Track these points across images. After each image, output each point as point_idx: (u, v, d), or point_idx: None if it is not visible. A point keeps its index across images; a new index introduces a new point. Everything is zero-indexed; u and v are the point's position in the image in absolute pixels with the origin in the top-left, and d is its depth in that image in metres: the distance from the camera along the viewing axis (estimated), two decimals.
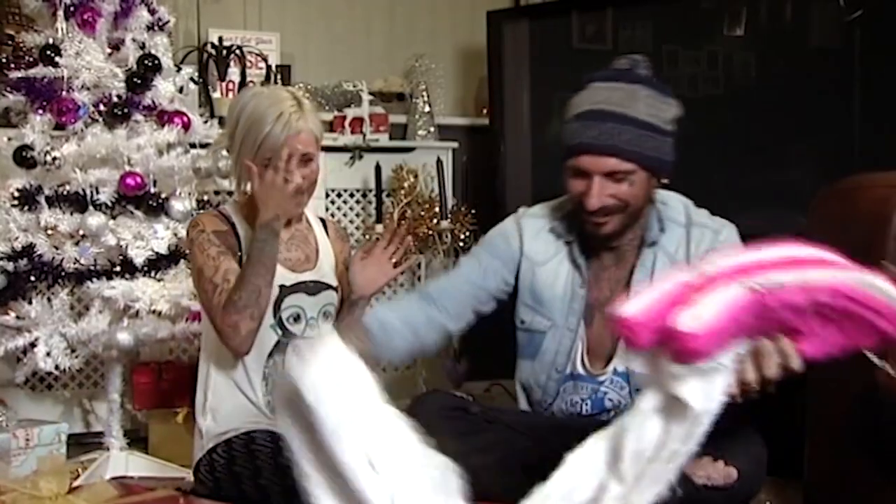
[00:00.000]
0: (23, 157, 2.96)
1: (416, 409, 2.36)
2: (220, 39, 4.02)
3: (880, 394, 2.00)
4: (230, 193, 3.67)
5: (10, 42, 3.62)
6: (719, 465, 1.94)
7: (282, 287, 2.35)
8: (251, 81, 4.00)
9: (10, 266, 2.93)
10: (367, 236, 4.07)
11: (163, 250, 3.01)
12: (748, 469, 1.99)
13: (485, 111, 4.31)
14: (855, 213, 2.18)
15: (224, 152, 3.09)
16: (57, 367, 2.95)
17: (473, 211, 4.03)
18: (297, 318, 2.39)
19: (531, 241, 2.31)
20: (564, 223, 2.30)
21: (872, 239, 2.09)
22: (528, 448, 2.13)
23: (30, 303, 2.94)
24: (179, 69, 3.36)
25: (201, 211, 3.13)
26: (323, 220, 2.60)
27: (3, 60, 3.52)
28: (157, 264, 3.00)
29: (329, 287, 2.46)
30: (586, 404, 2.26)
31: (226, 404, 2.34)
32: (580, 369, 2.27)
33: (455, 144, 4.26)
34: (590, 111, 2.11)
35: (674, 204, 2.27)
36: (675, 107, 2.15)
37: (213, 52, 4.01)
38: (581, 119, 2.12)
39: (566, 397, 2.29)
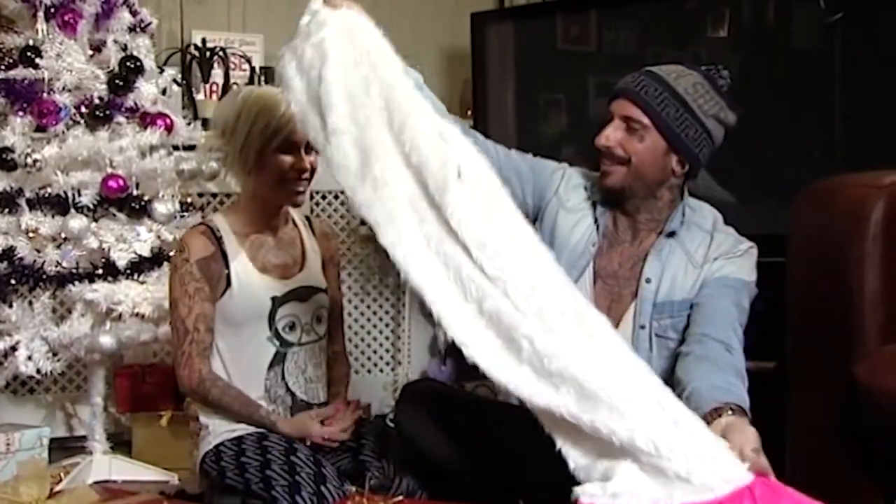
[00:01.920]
0: (3, 160, 2.95)
1: (406, 395, 2.38)
2: (204, 41, 4.02)
3: (860, 396, 2.02)
4: (214, 195, 3.67)
5: None
6: None
7: (274, 299, 2.36)
8: (235, 83, 4.01)
9: None
10: (352, 238, 4.08)
11: (145, 253, 3.01)
12: None
13: (469, 112, 4.31)
14: (834, 213, 2.20)
15: (214, 154, 3.10)
16: (39, 371, 2.95)
17: None
18: (292, 327, 2.40)
19: (568, 188, 2.37)
20: (596, 186, 2.34)
21: (850, 239, 2.10)
22: (511, 437, 2.14)
23: (10, 306, 2.94)
24: (162, 71, 3.36)
25: (185, 214, 3.13)
26: (308, 219, 2.61)
27: None
28: (140, 267, 3.00)
29: (319, 290, 2.48)
30: None
31: None
32: None
33: None
34: (640, 69, 2.23)
35: (703, 212, 2.32)
36: (724, 109, 2.20)
37: (197, 53, 4.02)
38: (631, 72, 2.24)
39: None
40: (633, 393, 1.66)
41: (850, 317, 2.11)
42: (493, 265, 1.76)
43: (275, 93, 2.39)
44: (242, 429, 2.32)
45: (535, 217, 2.37)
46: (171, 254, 2.75)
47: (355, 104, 1.87)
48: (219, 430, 2.34)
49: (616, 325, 2.19)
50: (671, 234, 2.26)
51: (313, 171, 2.40)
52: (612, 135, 2.19)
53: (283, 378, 2.38)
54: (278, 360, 2.38)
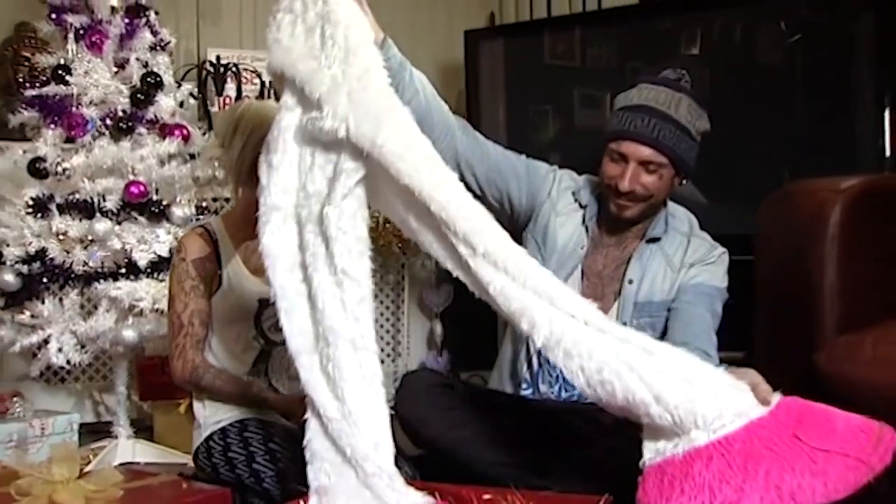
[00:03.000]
0: (36, 169, 2.97)
1: (405, 383, 2.38)
2: (218, 58, 4.03)
3: (820, 383, 2.04)
4: (227, 200, 3.68)
5: (26, 63, 3.64)
6: None
7: (261, 301, 2.33)
8: (246, 96, 4.02)
9: (24, 269, 2.95)
10: None
11: (164, 253, 3.02)
12: None
13: None
14: (797, 215, 2.22)
15: (215, 162, 3.11)
16: (68, 362, 2.97)
17: None
18: (277, 328, 2.36)
19: (559, 191, 2.35)
20: (585, 191, 2.34)
21: (811, 239, 2.13)
22: (504, 423, 2.15)
23: (43, 303, 2.95)
24: (180, 85, 3.35)
25: (200, 217, 3.15)
26: None
27: (20, 80, 3.57)
28: (159, 266, 3.00)
29: None
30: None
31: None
32: None
33: None
34: (639, 105, 2.19)
35: (680, 216, 2.33)
36: (706, 121, 2.22)
37: (212, 69, 4.03)
38: (631, 111, 2.19)
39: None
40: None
41: (811, 310, 2.13)
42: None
43: (271, 107, 2.34)
44: (227, 419, 2.31)
45: (528, 216, 2.35)
46: None
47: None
48: (208, 421, 2.33)
49: None
50: (654, 240, 2.28)
51: None
52: (634, 179, 2.17)
53: (267, 374, 2.36)
54: (263, 358, 2.36)
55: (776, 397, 1.59)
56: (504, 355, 2.40)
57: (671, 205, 2.33)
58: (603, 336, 1.59)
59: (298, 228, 1.68)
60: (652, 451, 1.58)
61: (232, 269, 2.34)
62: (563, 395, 2.27)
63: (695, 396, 1.53)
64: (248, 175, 2.32)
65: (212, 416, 2.34)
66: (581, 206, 2.33)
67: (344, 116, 1.59)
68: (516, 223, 2.37)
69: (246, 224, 2.38)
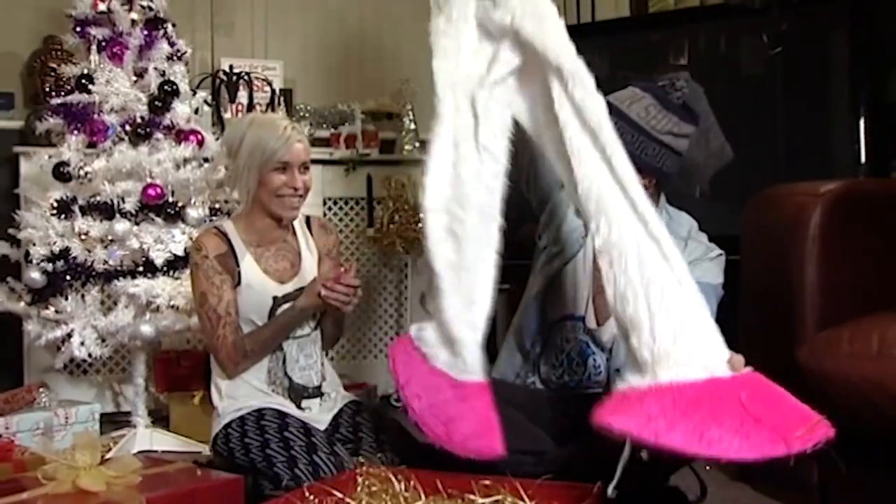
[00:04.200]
0: (60, 172, 2.99)
1: None
2: (231, 67, 4.04)
3: (801, 377, 2.04)
4: (238, 202, 3.69)
5: (52, 73, 3.67)
6: None
7: (274, 298, 2.35)
8: (258, 104, 4.02)
9: (49, 267, 2.97)
10: (360, 238, 4.11)
11: (179, 252, 3.03)
12: None
13: None
14: (779, 217, 2.22)
15: (223, 168, 3.12)
16: (90, 355, 2.99)
17: None
18: None
19: None
20: None
21: (792, 240, 2.13)
22: (505, 413, 2.12)
23: (66, 299, 2.97)
24: (195, 93, 3.36)
25: (214, 217, 3.16)
26: (308, 218, 2.55)
27: (47, 89, 3.58)
28: (175, 265, 3.01)
29: None
30: (574, 351, 2.27)
31: (238, 391, 2.36)
32: (582, 311, 2.27)
33: None
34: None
35: (680, 220, 2.31)
36: (677, 124, 2.19)
37: (225, 78, 4.03)
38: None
39: (561, 335, 2.29)
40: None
41: (792, 307, 2.13)
42: None
43: (275, 119, 2.39)
44: (246, 408, 2.32)
45: (541, 200, 2.36)
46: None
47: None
48: (227, 411, 2.34)
49: (604, 313, 2.23)
50: None
51: (307, 188, 2.39)
52: None
53: (284, 363, 2.37)
54: (276, 349, 2.37)
55: (746, 370, 1.66)
56: (511, 334, 2.40)
57: (669, 207, 2.31)
58: (652, 251, 1.72)
59: (456, 104, 1.88)
60: (623, 384, 1.68)
61: (248, 268, 2.36)
62: (566, 378, 2.27)
63: (678, 339, 1.64)
64: (255, 180, 2.34)
65: (229, 405, 2.35)
66: None
67: (513, 8, 1.84)
68: (529, 205, 2.39)
69: (255, 226, 2.40)
